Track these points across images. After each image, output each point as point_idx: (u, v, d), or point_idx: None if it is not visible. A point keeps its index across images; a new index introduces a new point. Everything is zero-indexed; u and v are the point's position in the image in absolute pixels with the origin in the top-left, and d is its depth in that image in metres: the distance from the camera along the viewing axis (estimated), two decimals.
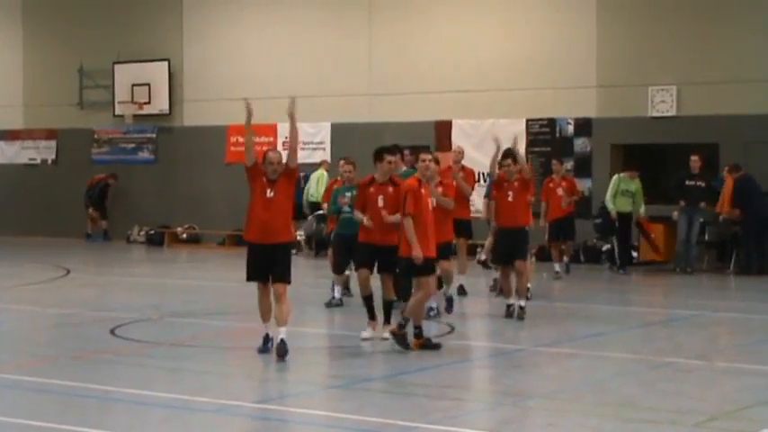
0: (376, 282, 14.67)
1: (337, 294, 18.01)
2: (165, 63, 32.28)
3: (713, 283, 22.80)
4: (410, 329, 13.93)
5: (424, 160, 14.23)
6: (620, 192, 24.33)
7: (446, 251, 16.19)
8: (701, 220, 24.65)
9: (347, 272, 18.10)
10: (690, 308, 19.04)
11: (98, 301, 19.21)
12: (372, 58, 29.54)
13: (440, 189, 15.68)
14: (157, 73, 32.41)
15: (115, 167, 32.70)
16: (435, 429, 10.04)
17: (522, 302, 16.60)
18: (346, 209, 17.06)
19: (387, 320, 14.51)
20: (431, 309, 16.20)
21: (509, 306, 16.76)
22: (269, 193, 13.25)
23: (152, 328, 16.29)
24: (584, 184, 26.69)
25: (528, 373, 12.64)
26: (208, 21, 31.91)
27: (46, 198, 34.17)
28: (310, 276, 22.69)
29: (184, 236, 31.51)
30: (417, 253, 13.63)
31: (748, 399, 11.34)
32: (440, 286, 16.48)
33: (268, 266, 13.34)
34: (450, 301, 17.04)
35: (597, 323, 16.91)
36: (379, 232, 14.51)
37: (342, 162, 18.28)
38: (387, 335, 14.19)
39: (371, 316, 14.63)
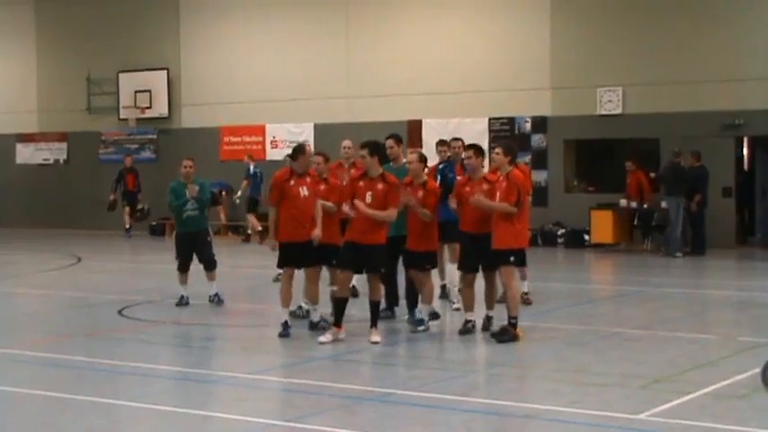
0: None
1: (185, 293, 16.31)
2: (165, 71, 32.18)
3: (656, 262, 22.89)
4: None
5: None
6: None
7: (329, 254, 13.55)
8: (645, 206, 24.95)
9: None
10: (634, 284, 19.12)
11: (107, 286, 19.15)
12: (350, 63, 29.51)
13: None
14: (157, 80, 32.31)
15: (121, 166, 32.44)
16: (410, 395, 10.07)
17: (491, 313, 13.60)
18: (191, 205, 16.10)
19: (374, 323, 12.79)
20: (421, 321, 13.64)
21: (467, 321, 13.39)
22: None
23: (156, 308, 16.26)
24: (540, 176, 26.78)
25: (493, 344, 12.62)
26: (202, 33, 31.84)
27: (59, 194, 34.05)
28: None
29: None
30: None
31: (687, 363, 11.44)
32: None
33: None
34: (312, 325, 13.68)
35: (553, 299, 16.95)
36: (361, 230, 12.63)
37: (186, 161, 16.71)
38: (376, 338, 12.65)
39: (338, 321, 12.78)
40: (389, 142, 14.52)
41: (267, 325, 14.02)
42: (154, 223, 31.42)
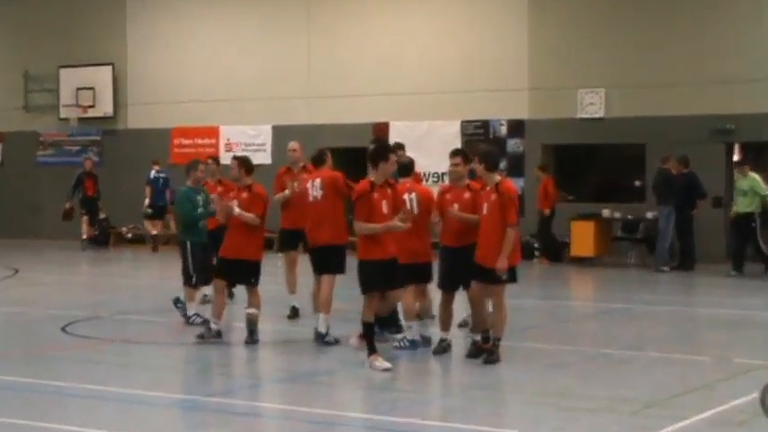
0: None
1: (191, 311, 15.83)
2: (110, 67, 32.07)
3: (641, 277, 23.02)
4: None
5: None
6: (738, 191, 23.12)
7: (251, 270, 14.18)
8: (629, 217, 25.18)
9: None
10: (620, 301, 19.19)
11: (48, 300, 18.99)
12: (311, 61, 29.51)
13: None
14: (102, 77, 32.19)
15: (60, 169, 32.29)
16: (383, 420, 10.05)
17: (478, 337, 13.11)
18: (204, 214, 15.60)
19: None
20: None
21: (441, 340, 13.35)
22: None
23: (102, 325, 16.15)
24: (516, 184, 26.83)
25: (471, 365, 12.63)
26: (151, 26, 31.73)
27: None
28: None
29: (129, 236, 31.29)
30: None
31: (680, 387, 11.47)
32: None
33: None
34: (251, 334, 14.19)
35: (534, 316, 16.99)
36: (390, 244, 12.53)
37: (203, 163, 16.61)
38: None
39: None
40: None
41: (225, 343, 13.97)
42: (96, 233, 31.21)
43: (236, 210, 13.89)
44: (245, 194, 14.10)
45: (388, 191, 12.57)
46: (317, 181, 14.25)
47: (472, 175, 13.38)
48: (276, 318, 15.98)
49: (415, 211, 13.16)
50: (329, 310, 13.93)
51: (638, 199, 25.91)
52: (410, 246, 13.00)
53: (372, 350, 12.30)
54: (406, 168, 13.84)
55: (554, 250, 25.69)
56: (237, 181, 14.35)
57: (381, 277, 12.30)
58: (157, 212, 29.22)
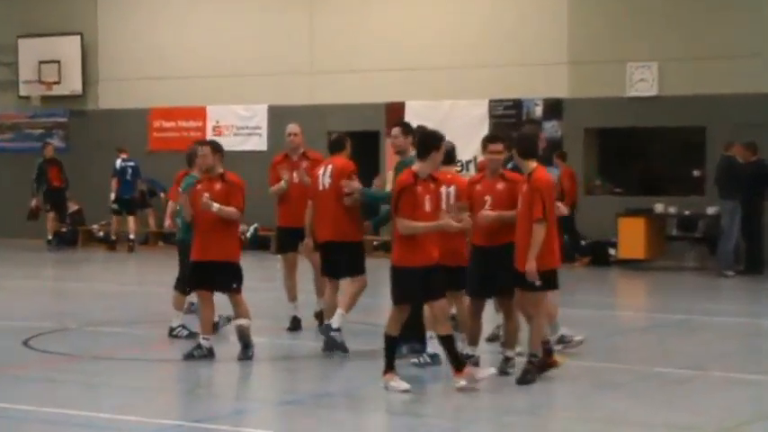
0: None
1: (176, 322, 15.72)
2: (78, 37, 32.09)
3: (702, 283, 22.95)
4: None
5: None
6: None
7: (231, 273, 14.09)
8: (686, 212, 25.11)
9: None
10: (677, 311, 19.17)
11: (7, 309, 18.93)
12: (314, 31, 29.50)
13: None
14: (69, 49, 32.21)
15: (21, 156, 32.31)
16: None
17: (511, 353, 13.18)
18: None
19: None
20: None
21: (468, 356, 13.08)
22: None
23: (70, 338, 16.12)
24: (553, 173, 26.75)
25: (505, 384, 12.57)
26: None
27: None
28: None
29: (101, 234, 31.28)
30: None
31: (749, 412, 11.46)
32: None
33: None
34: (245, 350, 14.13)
35: (576, 329, 16.88)
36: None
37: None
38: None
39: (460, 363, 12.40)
40: (395, 131, 14.47)
41: (215, 360, 13.95)
42: (64, 230, 31.22)
43: (216, 205, 13.68)
44: (218, 185, 13.83)
45: (431, 185, 12.38)
46: (329, 167, 14.52)
47: (513, 164, 13.26)
48: (275, 330, 15.97)
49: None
50: (348, 308, 14.03)
51: (696, 192, 25.84)
52: (444, 246, 12.77)
53: (390, 368, 12.22)
54: (449, 156, 13.63)
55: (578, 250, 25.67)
56: (211, 170, 14.07)
57: (420, 287, 12.17)
58: (125, 207, 29.19)
